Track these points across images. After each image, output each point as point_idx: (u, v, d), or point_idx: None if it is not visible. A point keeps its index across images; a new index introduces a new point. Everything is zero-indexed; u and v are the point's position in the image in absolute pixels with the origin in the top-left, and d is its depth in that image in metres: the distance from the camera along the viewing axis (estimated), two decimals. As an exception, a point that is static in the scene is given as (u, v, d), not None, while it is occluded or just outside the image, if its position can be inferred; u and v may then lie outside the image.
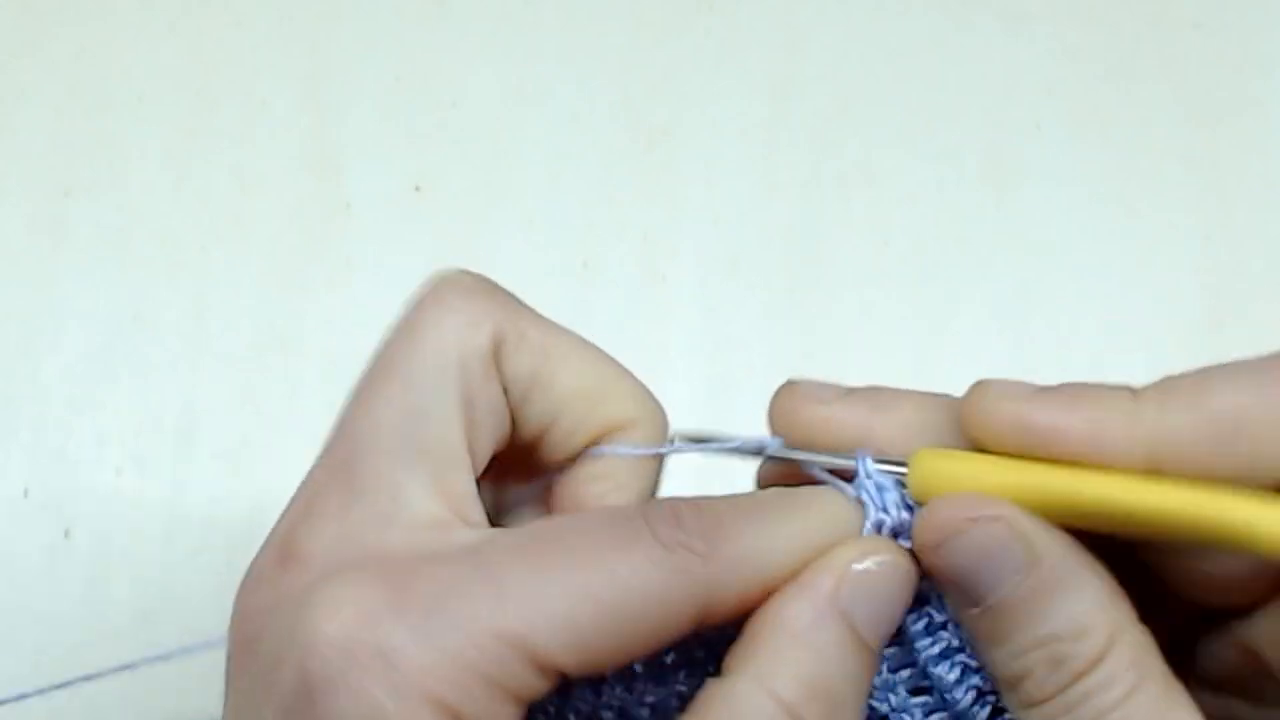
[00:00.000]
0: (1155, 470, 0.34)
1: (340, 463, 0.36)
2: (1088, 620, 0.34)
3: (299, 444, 0.62)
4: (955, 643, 0.36)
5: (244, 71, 0.65)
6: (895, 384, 0.41)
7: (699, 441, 0.39)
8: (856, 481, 0.36)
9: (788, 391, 0.38)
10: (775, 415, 0.38)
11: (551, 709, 0.36)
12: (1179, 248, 0.64)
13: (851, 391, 0.38)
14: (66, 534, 0.59)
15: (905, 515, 0.36)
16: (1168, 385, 0.35)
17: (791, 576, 0.34)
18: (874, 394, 0.38)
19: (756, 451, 0.38)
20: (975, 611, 0.34)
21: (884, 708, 0.36)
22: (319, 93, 0.65)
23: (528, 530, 0.35)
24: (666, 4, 0.67)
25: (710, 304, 0.63)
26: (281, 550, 0.35)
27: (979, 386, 0.35)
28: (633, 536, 0.34)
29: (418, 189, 0.64)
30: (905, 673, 0.36)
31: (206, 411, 0.61)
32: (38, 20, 0.66)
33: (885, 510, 0.36)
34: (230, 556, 0.58)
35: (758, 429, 0.39)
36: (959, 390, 0.37)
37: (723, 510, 0.35)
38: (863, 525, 0.36)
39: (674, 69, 0.66)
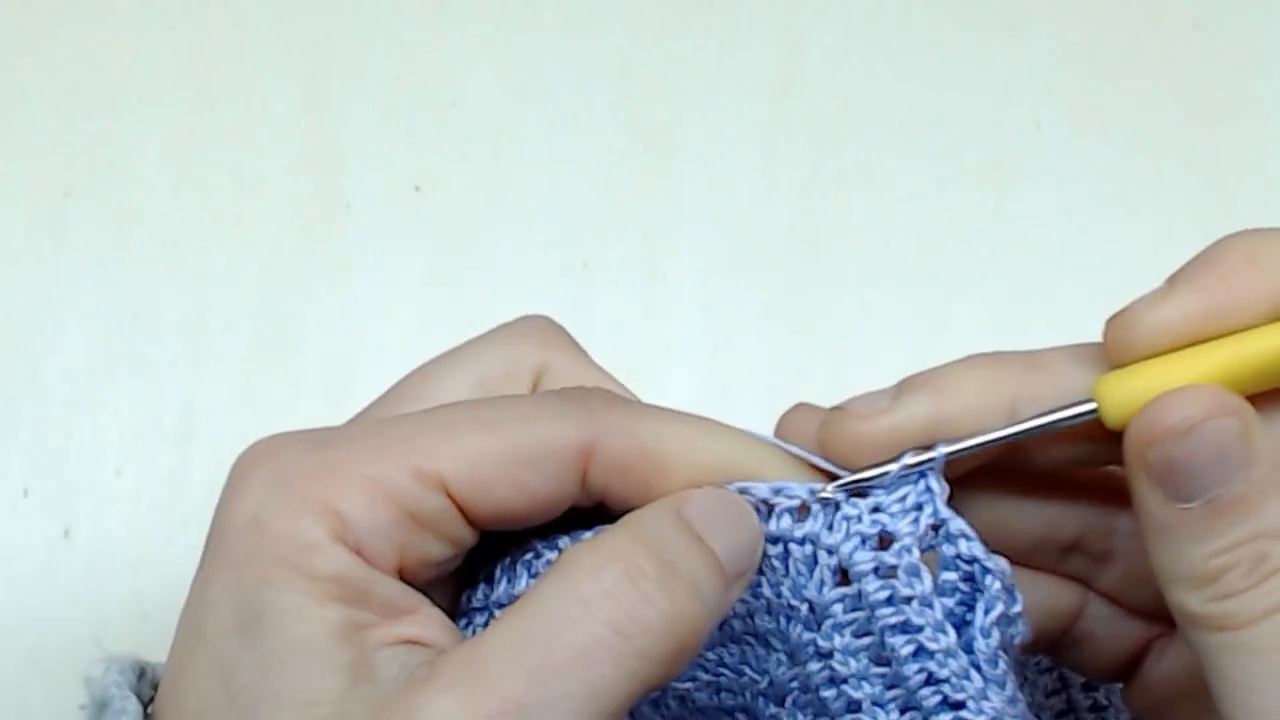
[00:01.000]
0: None
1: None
2: None
3: (299, 444, 0.61)
4: (916, 621, 0.36)
5: (244, 71, 0.65)
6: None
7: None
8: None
9: (840, 417, 0.38)
10: (831, 443, 0.37)
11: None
12: (1179, 248, 0.64)
13: (898, 390, 0.38)
14: (66, 534, 0.59)
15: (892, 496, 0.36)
16: None
17: (677, 463, 0.36)
18: (922, 382, 0.38)
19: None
20: (1188, 506, 0.35)
21: (844, 670, 0.37)
22: (319, 93, 0.65)
23: None
24: (666, 4, 0.67)
25: (710, 304, 0.63)
26: None
27: (1121, 316, 0.37)
28: (541, 394, 0.37)
29: (418, 189, 0.64)
30: (867, 639, 0.37)
31: (206, 411, 0.61)
32: (38, 20, 0.66)
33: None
34: (230, 556, 0.58)
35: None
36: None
37: (634, 400, 0.37)
38: (773, 469, 0.37)
39: (674, 69, 0.66)
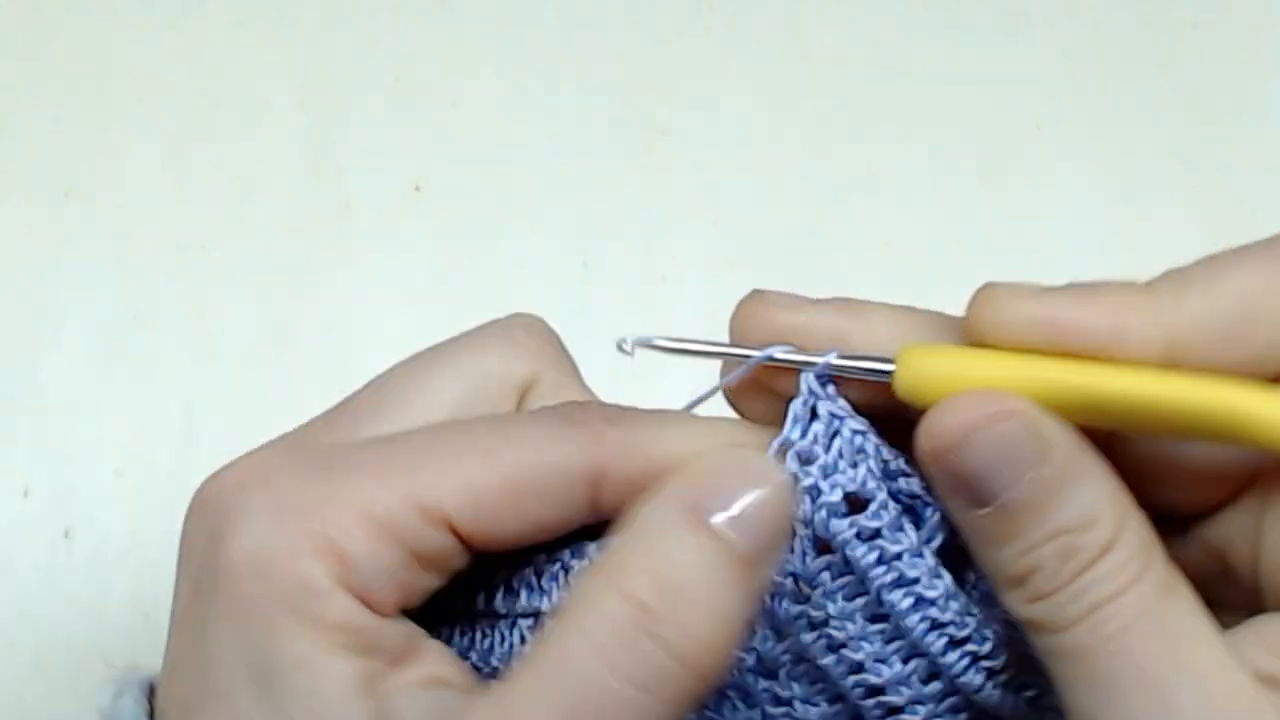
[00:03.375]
0: (1173, 361, 0.34)
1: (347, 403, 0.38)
2: (1097, 510, 0.34)
3: (299, 444, 0.61)
4: (910, 574, 0.36)
5: (244, 71, 0.65)
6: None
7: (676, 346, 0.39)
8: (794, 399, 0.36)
9: (756, 299, 0.38)
10: (742, 323, 0.38)
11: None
12: (1179, 248, 0.64)
13: (821, 300, 0.38)
14: (66, 534, 0.59)
15: (818, 444, 0.36)
16: (1179, 275, 0.35)
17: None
18: (844, 302, 0.38)
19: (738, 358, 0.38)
20: (984, 512, 0.34)
21: (841, 635, 0.37)
22: (319, 93, 0.65)
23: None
24: (666, 4, 0.67)
25: (710, 304, 0.63)
26: None
27: (988, 288, 0.35)
28: (540, 416, 0.35)
29: (418, 189, 0.64)
30: (861, 600, 0.36)
31: (206, 411, 0.61)
32: (38, 20, 0.66)
33: (795, 433, 0.36)
34: (230, 556, 0.58)
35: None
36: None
37: (634, 410, 0.36)
38: (769, 445, 0.36)
39: (674, 69, 0.66)
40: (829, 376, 0.37)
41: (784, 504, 0.34)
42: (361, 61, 0.66)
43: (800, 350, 0.37)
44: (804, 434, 0.36)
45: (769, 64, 0.66)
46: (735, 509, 0.33)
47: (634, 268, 0.63)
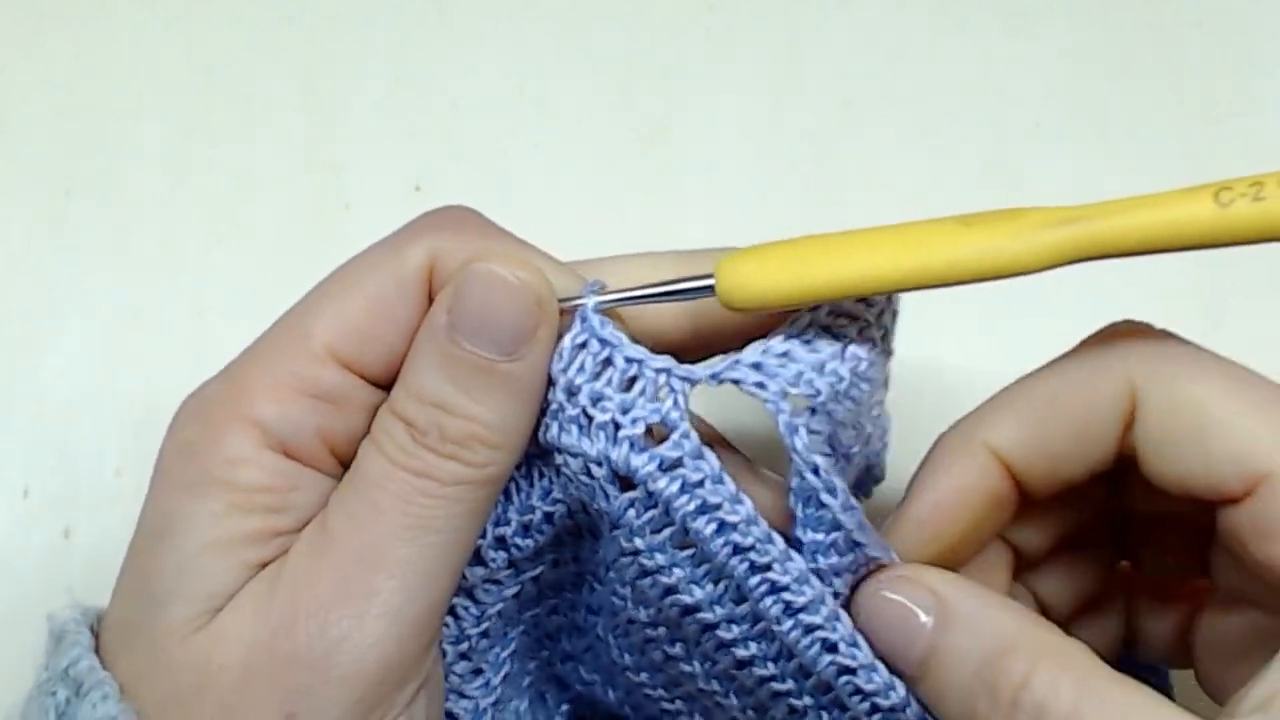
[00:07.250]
0: None
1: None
2: (1008, 642, 0.37)
3: (299, 444, 0.61)
4: (713, 500, 0.37)
5: (244, 71, 0.65)
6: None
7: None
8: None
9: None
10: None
11: None
12: (1179, 247, 0.64)
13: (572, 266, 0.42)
14: (66, 534, 0.59)
15: (611, 384, 0.38)
16: None
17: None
18: (597, 264, 0.42)
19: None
20: (909, 675, 0.38)
21: (652, 563, 0.38)
22: (319, 93, 0.65)
23: None
24: (666, 4, 0.67)
25: (710, 304, 0.63)
26: None
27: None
28: (390, 235, 0.40)
29: (418, 189, 0.64)
30: (668, 531, 0.37)
31: (206, 411, 0.61)
32: (38, 20, 0.66)
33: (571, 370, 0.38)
34: (230, 556, 0.58)
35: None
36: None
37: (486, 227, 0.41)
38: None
39: (674, 69, 0.66)
40: (602, 314, 0.39)
41: (514, 297, 0.38)
42: (361, 61, 0.66)
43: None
44: (583, 370, 0.38)
45: (769, 64, 0.66)
46: (470, 317, 0.37)
47: (634, 268, 0.63)
